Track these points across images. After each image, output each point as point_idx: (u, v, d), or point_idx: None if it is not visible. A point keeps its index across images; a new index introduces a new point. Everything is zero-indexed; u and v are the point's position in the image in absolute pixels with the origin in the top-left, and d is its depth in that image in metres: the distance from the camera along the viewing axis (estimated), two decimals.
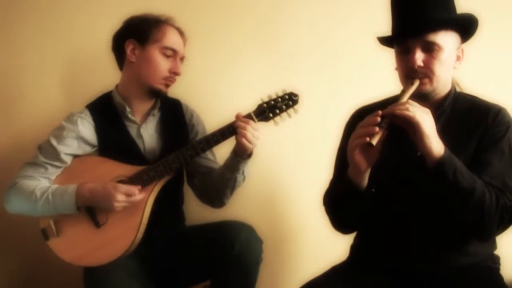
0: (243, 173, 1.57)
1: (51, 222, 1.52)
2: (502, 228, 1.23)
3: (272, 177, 2.00)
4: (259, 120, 1.50)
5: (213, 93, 1.93)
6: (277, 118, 1.51)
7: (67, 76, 1.89)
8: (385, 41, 1.37)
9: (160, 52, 1.56)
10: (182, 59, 1.63)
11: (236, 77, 1.94)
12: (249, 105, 1.52)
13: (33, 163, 1.53)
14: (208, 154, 1.67)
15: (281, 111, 1.51)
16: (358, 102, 1.47)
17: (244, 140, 1.44)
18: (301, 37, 1.95)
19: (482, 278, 1.26)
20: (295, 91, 1.51)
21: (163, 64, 1.56)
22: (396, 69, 1.35)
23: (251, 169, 1.93)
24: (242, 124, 1.45)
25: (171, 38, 1.57)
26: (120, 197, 1.43)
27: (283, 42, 1.95)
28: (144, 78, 1.56)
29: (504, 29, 1.91)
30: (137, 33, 1.55)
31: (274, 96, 1.51)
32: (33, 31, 1.86)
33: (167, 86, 1.59)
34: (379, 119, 1.18)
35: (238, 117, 1.48)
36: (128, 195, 1.45)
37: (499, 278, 1.31)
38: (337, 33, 1.94)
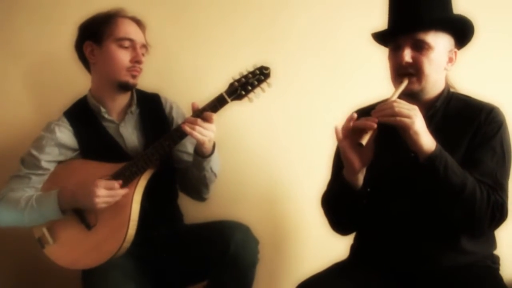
0: (211, 170, 1.55)
1: (45, 230, 1.54)
2: (493, 225, 1.24)
3: (270, 176, 1.97)
4: (232, 100, 1.46)
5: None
6: (251, 95, 1.47)
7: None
8: (380, 39, 1.39)
9: (116, 45, 1.55)
10: (144, 47, 1.62)
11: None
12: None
13: (17, 176, 1.57)
14: (189, 147, 1.66)
15: (253, 87, 1.46)
16: (359, 102, 1.46)
17: (197, 135, 1.42)
18: (302, 37, 1.93)
19: (481, 277, 1.25)
20: (266, 65, 1.46)
21: (122, 56, 1.55)
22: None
23: (251, 168, 1.94)
24: (187, 128, 1.42)
25: (124, 29, 1.57)
26: (101, 192, 1.43)
27: (283, 42, 1.93)
28: (109, 74, 1.57)
29: (500, 31, 1.86)
30: (91, 34, 1.57)
31: (244, 73, 1.47)
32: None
33: (134, 76, 1.58)
34: (369, 123, 1.19)
35: (185, 119, 1.45)
36: (108, 188, 1.44)
37: (499, 278, 1.30)
38: (337, 33, 1.92)
